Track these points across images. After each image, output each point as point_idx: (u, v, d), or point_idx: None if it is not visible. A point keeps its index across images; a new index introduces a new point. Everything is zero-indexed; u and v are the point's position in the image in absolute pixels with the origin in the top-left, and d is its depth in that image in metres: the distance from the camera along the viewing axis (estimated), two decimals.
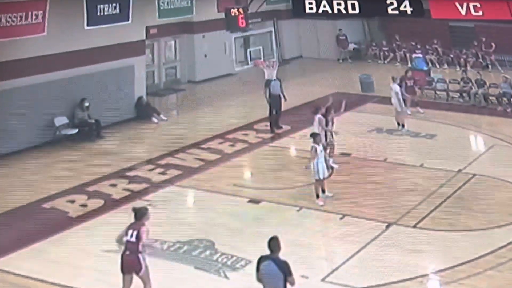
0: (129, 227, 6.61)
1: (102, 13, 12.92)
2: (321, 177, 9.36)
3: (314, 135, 9.52)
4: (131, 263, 6.59)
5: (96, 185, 10.49)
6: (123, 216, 9.34)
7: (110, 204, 9.79)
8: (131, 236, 6.54)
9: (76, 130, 13.02)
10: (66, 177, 10.87)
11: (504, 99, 14.70)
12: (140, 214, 6.62)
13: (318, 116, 10.66)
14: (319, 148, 9.30)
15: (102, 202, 9.86)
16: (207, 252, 8.12)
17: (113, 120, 13.89)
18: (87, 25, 12.73)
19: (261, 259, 5.70)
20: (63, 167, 11.57)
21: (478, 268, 7.47)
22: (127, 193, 10.21)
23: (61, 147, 12.52)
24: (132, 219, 6.69)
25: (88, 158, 12.07)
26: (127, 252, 6.61)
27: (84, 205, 9.76)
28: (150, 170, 11.27)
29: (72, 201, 9.89)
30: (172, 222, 9.06)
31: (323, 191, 9.56)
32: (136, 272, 6.61)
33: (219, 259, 7.88)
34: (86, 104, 13.23)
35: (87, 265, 7.91)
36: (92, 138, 13.05)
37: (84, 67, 13.32)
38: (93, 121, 13.24)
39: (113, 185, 10.51)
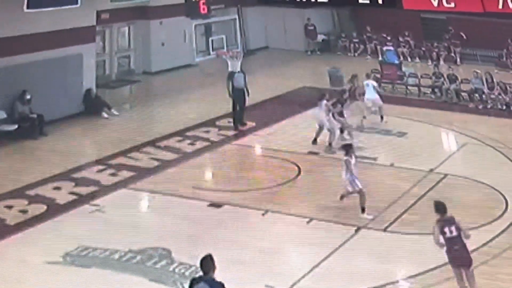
0: None
1: None
2: (360, 187, 9.25)
3: (346, 147, 9.53)
4: None
5: (38, 188, 10.26)
6: (68, 223, 9.20)
7: (54, 209, 9.58)
8: None
9: (16, 126, 12.69)
10: (3, 180, 10.57)
11: (476, 95, 15.16)
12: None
13: (324, 101, 11.98)
14: (353, 161, 9.31)
15: (44, 207, 9.64)
16: (163, 262, 8.03)
17: (58, 115, 13.58)
18: (28, 7, 12.36)
19: (193, 282, 5.58)
20: (0, 167, 11.23)
21: (449, 272, 7.66)
22: (73, 197, 10.02)
23: None
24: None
25: (29, 158, 11.78)
26: None
27: (24, 211, 9.52)
28: (100, 171, 11.08)
29: (10, 207, 9.64)
30: (124, 229, 8.92)
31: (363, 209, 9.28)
32: None
33: (177, 270, 7.82)
34: (28, 97, 12.91)
35: (28, 279, 7.70)
36: (34, 135, 12.74)
37: (25, 55, 12.97)
38: (35, 116, 12.92)
39: (57, 188, 10.29)
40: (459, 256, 6.82)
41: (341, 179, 9.62)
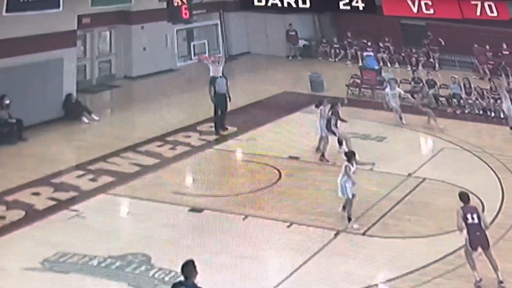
0: None
1: None
2: (350, 196, 9.30)
3: (349, 154, 9.58)
4: None
5: (16, 193, 10.15)
6: (47, 229, 9.12)
7: (32, 215, 9.49)
8: None
9: None
10: None
11: (454, 100, 15.40)
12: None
13: (321, 107, 11.97)
14: (353, 168, 9.35)
15: (23, 213, 9.55)
16: (142, 268, 8.00)
17: (38, 119, 13.45)
18: (6, 11, 12.21)
19: (174, 287, 5.59)
20: None
21: (427, 275, 7.85)
22: (52, 202, 9.93)
23: None
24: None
25: (7, 163, 11.63)
26: None
27: (2, 217, 9.41)
28: (79, 176, 10.99)
29: None
30: (103, 235, 8.87)
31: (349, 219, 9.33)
32: None
33: (156, 275, 7.80)
34: (7, 101, 12.78)
35: (4, 286, 7.61)
36: (12, 140, 12.61)
37: (4, 59, 12.84)
38: (14, 120, 12.79)
39: (36, 194, 10.19)
40: (480, 240, 7.64)
41: (321, 183, 9.74)
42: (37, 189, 10.32)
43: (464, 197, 7.93)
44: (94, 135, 13.49)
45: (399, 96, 14.09)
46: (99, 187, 10.53)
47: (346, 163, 9.40)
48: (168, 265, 7.96)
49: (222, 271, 8.00)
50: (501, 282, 7.63)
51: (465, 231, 7.66)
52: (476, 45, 18.49)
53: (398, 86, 15.43)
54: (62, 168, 11.31)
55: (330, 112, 12.04)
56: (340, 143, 12.04)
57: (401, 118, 14.03)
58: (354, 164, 9.45)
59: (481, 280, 7.67)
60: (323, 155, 11.80)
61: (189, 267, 5.59)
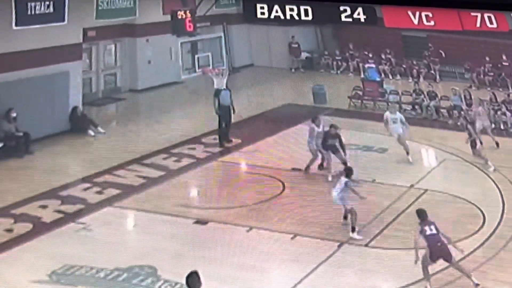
0: None
1: (33, 12, 12.64)
2: (349, 207, 9.44)
3: (348, 170, 9.78)
4: None
5: (24, 206, 10.25)
6: (54, 241, 9.21)
7: (40, 228, 9.59)
8: None
9: (1, 145, 12.63)
10: None
11: (455, 111, 15.50)
12: None
13: (312, 125, 11.79)
14: (346, 180, 9.51)
15: (30, 226, 9.65)
16: (149, 280, 8.11)
17: (45, 133, 13.53)
18: (16, 24, 12.40)
19: None
20: None
21: (428, 287, 7.86)
22: (60, 215, 10.03)
23: None
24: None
25: (15, 176, 11.70)
26: None
27: (10, 230, 9.51)
28: (86, 189, 11.10)
29: None
30: (110, 247, 8.98)
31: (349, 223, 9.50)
32: None
33: (162, 287, 7.88)
34: (13, 114, 12.88)
35: None
36: (20, 154, 12.68)
37: (11, 72, 12.96)
38: (21, 134, 12.88)
39: (44, 207, 10.29)
40: (441, 252, 7.90)
41: (325, 195, 9.82)
42: (44, 202, 10.42)
43: (421, 213, 8.28)
44: (100, 148, 13.58)
45: (401, 122, 12.95)
46: (105, 200, 10.63)
47: (346, 179, 9.49)
48: (174, 277, 8.05)
49: (226, 283, 8.08)
50: (477, 284, 7.87)
51: (425, 243, 7.91)
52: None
53: (400, 98, 15.41)
54: (69, 181, 11.40)
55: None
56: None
57: (408, 153, 12.51)
58: (350, 180, 9.60)
59: None
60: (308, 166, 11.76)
61: (193, 279, 5.69)
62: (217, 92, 13.75)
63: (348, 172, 9.83)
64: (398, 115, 13.39)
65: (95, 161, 12.58)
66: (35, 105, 13.54)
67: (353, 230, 9.37)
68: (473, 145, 12.26)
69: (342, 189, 9.55)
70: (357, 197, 9.65)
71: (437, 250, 7.81)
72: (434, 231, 7.93)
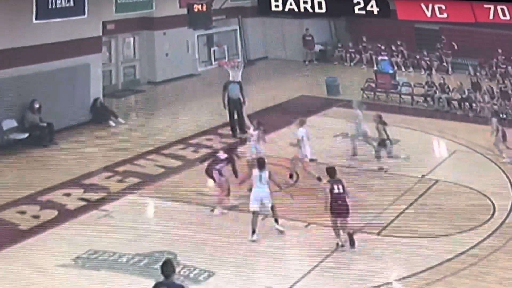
0: None
1: (53, 6, 12.62)
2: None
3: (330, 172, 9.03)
4: None
5: (49, 194, 10.45)
6: (78, 228, 9.46)
7: (65, 215, 9.79)
8: None
9: (27, 135, 12.87)
10: (16, 186, 10.79)
11: (466, 103, 15.46)
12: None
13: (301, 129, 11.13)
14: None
15: (55, 213, 9.84)
16: None
17: (67, 123, 13.78)
18: (36, 18, 12.44)
19: (156, 286, 5.75)
20: (13, 175, 11.45)
21: (439, 274, 8.00)
22: (83, 203, 10.22)
23: (10, 153, 12.36)
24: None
25: (40, 165, 11.96)
26: None
27: (36, 217, 9.72)
28: (108, 178, 11.29)
29: (23, 212, 9.84)
30: (131, 234, 9.15)
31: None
32: None
33: (181, 272, 8.01)
34: (37, 106, 13.09)
35: (39, 282, 7.92)
36: (44, 143, 12.93)
37: (34, 65, 13.15)
38: (45, 124, 13.11)
39: (68, 195, 10.49)
40: (341, 209, 8.47)
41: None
42: (68, 190, 10.64)
43: (331, 171, 8.69)
44: (120, 138, 13.79)
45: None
46: (126, 188, 10.83)
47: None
48: (192, 262, 8.23)
49: (242, 268, 8.25)
50: (343, 245, 8.53)
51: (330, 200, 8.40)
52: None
53: (412, 90, 15.15)
54: (91, 170, 11.61)
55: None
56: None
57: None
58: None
59: (343, 246, 8.55)
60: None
61: (168, 267, 5.77)
62: (227, 85, 13.79)
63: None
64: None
65: (116, 150, 12.79)
66: (58, 96, 13.76)
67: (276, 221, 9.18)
68: (497, 134, 12.28)
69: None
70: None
71: (336, 206, 8.40)
72: (341, 190, 8.44)
